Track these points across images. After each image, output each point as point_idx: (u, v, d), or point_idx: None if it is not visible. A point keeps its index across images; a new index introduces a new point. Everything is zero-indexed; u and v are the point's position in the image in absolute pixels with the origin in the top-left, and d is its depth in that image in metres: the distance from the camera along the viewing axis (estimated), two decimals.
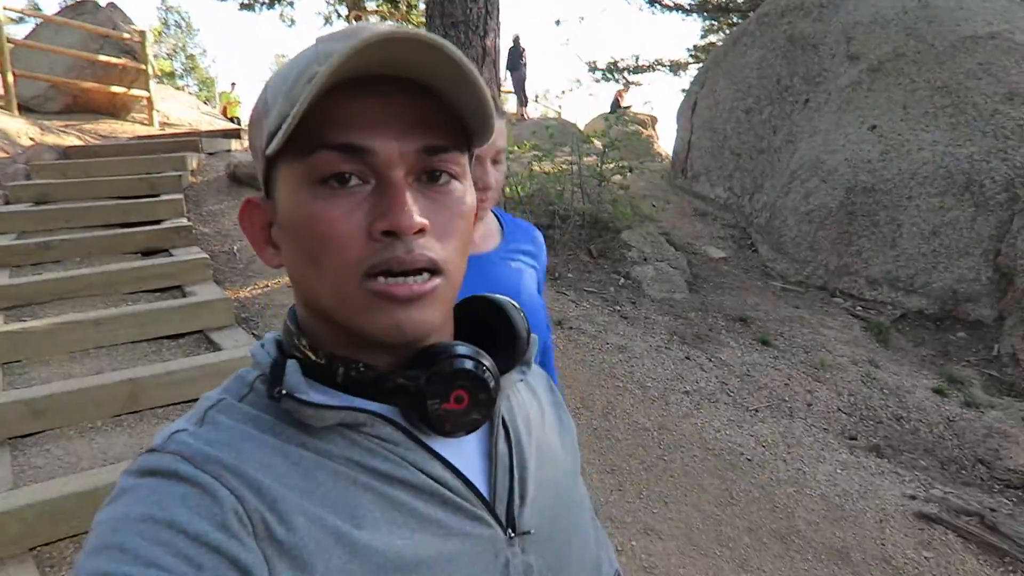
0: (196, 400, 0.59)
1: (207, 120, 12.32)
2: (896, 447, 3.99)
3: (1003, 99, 5.69)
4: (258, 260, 5.09)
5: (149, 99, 10.52)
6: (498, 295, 0.68)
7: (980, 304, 5.53)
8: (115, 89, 9.95)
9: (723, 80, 7.93)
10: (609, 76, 13.05)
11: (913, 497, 3.45)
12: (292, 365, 0.54)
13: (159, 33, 32.34)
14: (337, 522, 0.51)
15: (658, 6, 11.73)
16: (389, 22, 0.82)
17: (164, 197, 5.35)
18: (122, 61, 9.97)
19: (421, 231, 0.52)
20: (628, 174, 7.55)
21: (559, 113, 16.33)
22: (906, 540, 3.11)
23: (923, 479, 3.65)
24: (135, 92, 10.26)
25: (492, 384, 0.56)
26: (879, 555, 3.01)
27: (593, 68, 12.62)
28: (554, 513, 0.65)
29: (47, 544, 2.39)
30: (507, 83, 14.20)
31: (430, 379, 0.54)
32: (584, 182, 6.83)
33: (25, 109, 8.95)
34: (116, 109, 10.55)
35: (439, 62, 0.49)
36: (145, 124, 10.46)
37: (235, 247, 5.24)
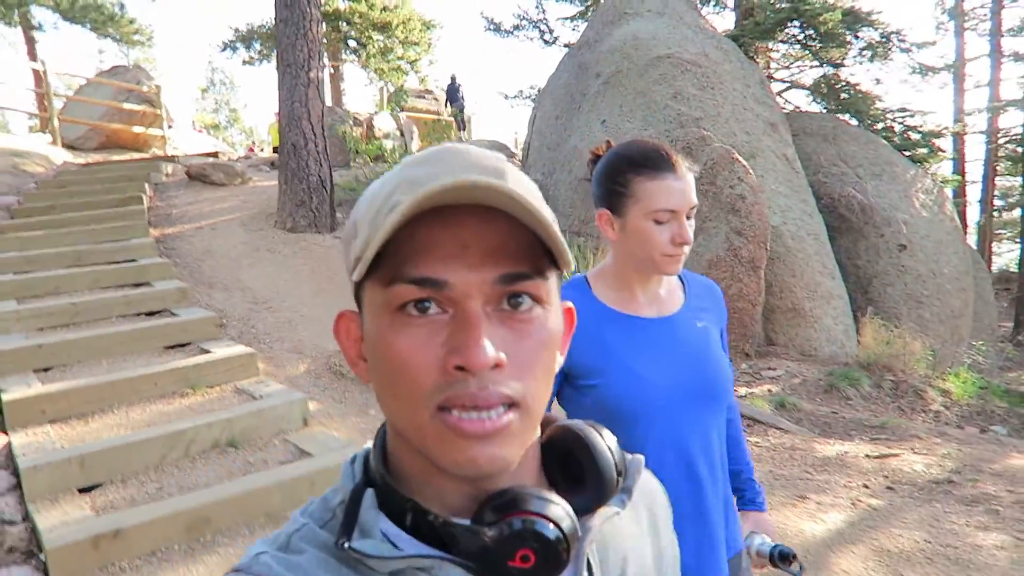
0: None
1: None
2: None
3: (671, 98, 8.51)
4: (184, 215, 8.35)
5: (163, 137, 14.12)
6: (585, 424, 0.63)
7: None
8: (136, 129, 13.53)
9: (548, 97, 10.89)
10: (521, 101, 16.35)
11: None
12: (369, 499, 0.55)
13: (204, 91, 37.15)
14: None
15: (555, 46, 14.85)
16: (470, 148, 0.55)
17: (134, 183, 8.66)
18: (142, 108, 13.56)
19: (497, 366, 0.50)
20: None
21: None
22: None
23: None
24: (152, 132, 13.85)
25: (564, 545, 0.52)
26: None
27: (506, 96, 15.86)
28: None
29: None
30: (447, 114, 17.42)
31: (495, 535, 0.52)
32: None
33: (71, 147, 12.58)
34: (139, 145, 14.12)
35: (504, 201, 0.50)
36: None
37: (172, 211, 8.48)
